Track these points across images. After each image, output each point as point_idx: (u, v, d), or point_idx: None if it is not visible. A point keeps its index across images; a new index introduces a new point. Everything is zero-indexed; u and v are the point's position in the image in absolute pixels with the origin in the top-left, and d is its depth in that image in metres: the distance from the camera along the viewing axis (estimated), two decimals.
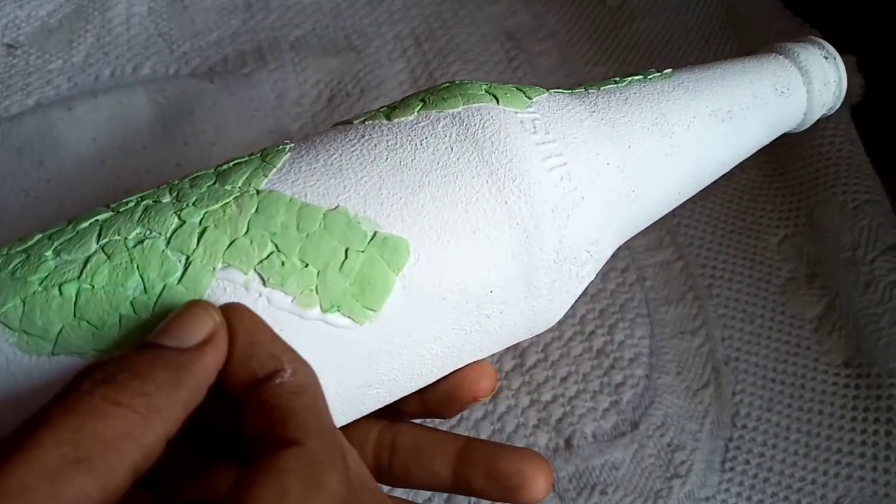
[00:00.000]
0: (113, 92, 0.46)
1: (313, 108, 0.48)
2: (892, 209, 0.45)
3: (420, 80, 0.50)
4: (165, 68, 0.48)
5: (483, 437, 0.39)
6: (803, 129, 0.30)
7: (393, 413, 0.25)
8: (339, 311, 0.21)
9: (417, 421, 0.26)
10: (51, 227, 0.22)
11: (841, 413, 0.40)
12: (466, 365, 0.24)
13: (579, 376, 0.41)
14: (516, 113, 0.24)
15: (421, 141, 0.23)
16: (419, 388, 0.24)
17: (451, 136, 0.23)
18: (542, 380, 0.41)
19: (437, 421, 0.33)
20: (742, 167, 0.47)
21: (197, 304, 0.19)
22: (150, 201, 0.22)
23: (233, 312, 0.19)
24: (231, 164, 0.23)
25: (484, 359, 0.25)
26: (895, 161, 0.46)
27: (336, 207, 0.21)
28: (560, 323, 0.42)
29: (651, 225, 0.36)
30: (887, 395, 0.40)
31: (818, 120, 0.30)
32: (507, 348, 0.41)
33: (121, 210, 0.22)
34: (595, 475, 0.38)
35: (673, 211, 0.48)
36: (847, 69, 0.51)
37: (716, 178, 0.28)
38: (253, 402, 0.18)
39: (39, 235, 0.21)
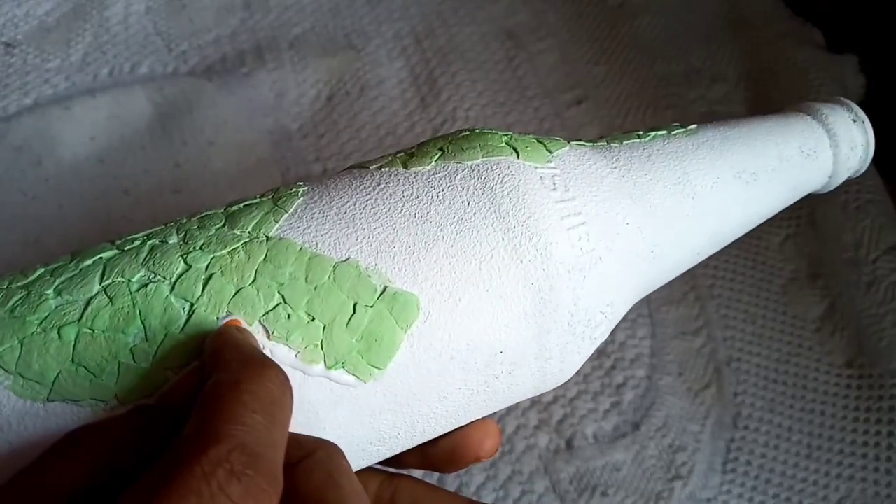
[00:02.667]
0: (111, 91, 0.46)
1: (313, 108, 0.48)
2: (894, 209, 0.45)
3: (420, 79, 0.50)
4: (164, 67, 0.48)
5: None
6: (827, 191, 0.29)
7: (393, 463, 0.25)
8: (343, 367, 0.20)
9: (419, 474, 0.25)
10: (54, 261, 0.21)
11: (843, 414, 0.40)
12: (470, 422, 0.24)
13: (580, 377, 0.41)
14: (536, 168, 0.23)
15: (437, 193, 0.22)
16: (420, 443, 0.23)
17: (468, 190, 0.22)
18: None
19: None
20: None
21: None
22: (156, 241, 0.21)
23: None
24: (242, 205, 0.22)
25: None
26: None
27: (347, 259, 0.21)
28: None
29: None
30: (889, 396, 0.40)
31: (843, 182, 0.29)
32: None
33: (126, 249, 0.21)
34: (596, 476, 0.38)
35: None
36: (847, 69, 0.51)
37: (736, 238, 0.27)
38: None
39: (41, 270, 0.21)
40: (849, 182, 0.45)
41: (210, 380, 0.17)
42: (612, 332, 0.42)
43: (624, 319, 0.42)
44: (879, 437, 0.39)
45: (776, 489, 0.38)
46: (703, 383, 0.41)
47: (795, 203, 0.49)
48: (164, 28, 0.50)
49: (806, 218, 0.45)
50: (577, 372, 0.41)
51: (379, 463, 0.24)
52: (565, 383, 0.40)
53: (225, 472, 0.15)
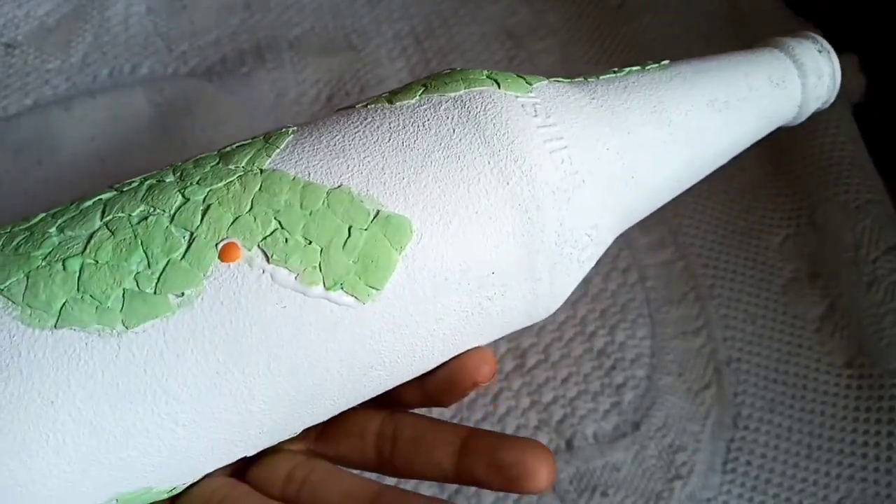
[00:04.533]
0: (111, 92, 0.46)
1: (313, 108, 0.48)
2: (894, 209, 0.45)
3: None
4: (164, 68, 0.48)
5: None
6: (798, 122, 0.30)
7: (393, 403, 0.25)
8: (342, 288, 0.21)
9: (419, 411, 0.26)
10: (54, 208, 0.22)
11: (843, 414, 0.40)
12: (465, 351, 0.24)
13: (580, 377, 0.41)
14: (517, 97, 0.24)
15: (423, 123, 0.23)
16: (420, 372, 0.24)
17: (453, 119, 0.23)
18: (542, 381, 0.40)
19: (438, 412, 0.33)
20: (743, 166, 0.47)
21: None
22: (153, 181, 0.22)
23: None
24: (234, 146, 0.23)
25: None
26: None
27: (339, 186, 0.21)
28: (561, 323, 0.42)
29: (653, 224, 0.36)
30: (889, 396, 0.40)
31: (813, 114, 0.30)
32: (508, 349, 0.41)
33: (124, 190, 0.22)
34: (596, 476, 0.38)
35: (674, 210, 0.48)
36: (849, 69, 0.51)
37: (713, 168, 0.28)
38: None
39: (43, 214, 0.22)
40: (849, 182, 0.45)
41: None
42: (613, 333, 0.42)
43: (624, 319, 0.42)
44: (879, 436, 0.39)
45: (776, 489, 0.38)
46: (703, 383, 0.41)
47: (795, 203, 0.49)
48: (165, 29, 0.50)
49: (806, 218, 0.45)
50: (578, 372, 0.41)
51: (379, 405, 0.25)
52: (565, 383, 0.40)
53: None
